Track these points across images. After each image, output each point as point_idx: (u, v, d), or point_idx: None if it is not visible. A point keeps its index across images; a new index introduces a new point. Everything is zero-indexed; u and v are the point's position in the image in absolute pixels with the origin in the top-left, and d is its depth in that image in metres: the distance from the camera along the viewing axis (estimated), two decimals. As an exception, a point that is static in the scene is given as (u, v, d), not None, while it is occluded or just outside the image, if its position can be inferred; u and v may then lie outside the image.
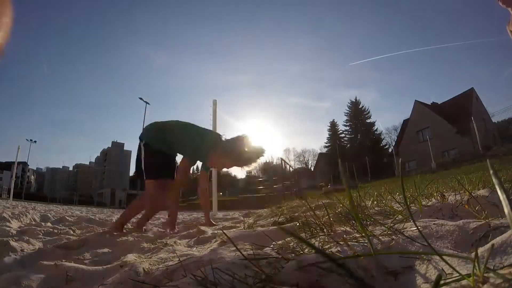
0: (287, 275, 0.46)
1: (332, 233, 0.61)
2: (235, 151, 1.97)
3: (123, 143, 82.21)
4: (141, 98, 27.82)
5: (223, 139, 2.12)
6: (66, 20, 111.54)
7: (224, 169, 2.19)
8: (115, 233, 1.82)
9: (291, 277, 0.45)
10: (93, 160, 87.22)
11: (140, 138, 2.15)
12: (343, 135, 47.58)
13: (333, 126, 48.85)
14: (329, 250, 0.52)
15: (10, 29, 0.44)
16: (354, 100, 46.89)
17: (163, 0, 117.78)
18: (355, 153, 38.08)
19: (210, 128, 5.30)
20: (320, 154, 48.72)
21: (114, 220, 2.52)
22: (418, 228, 0.44)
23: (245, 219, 1.94)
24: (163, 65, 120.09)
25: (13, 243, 1.29)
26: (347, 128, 46.76)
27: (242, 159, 1.99)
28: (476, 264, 0.30)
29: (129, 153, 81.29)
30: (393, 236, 0.51)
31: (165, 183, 2.10)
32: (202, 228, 1.94)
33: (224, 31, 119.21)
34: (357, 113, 45.87)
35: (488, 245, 0.35)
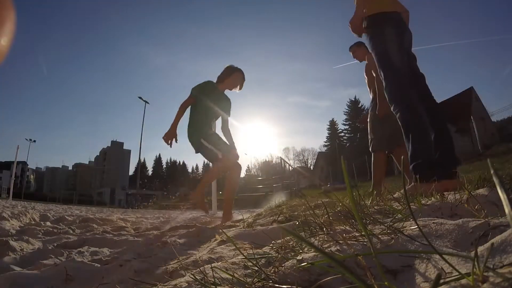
0: (286, 274, 0.46)
1: (332, 232, 0.61)
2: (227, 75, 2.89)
3: (123, 142, 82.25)
4: (140, 98, 27.93)
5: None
6: (66, 19, 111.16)
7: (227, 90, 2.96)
8: (197, 200, 2.53)
9: (291, 276, 0.45)
10: (93, 160, 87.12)
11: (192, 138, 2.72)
12: (342, 134, 47.61)
13: (332, 125, 48.90)
14: (329, 249, 0.52)
15: (12, 34, 0.44)
16: (353, 99, 46.90)
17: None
18: (354, 152, 38.06)
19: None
20: (320, 153, 48.69)
21: (195, 190, 2.69)
22: (419, 227, 0.44)
23: (244, 218, 1.94)
24: (162, 64, 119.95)
25: (12, 243, 1.29)
26: (347, 127, 46.78)
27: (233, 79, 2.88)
28: (475, 263, 0.29)
29: (128, 152, 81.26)
30: (393, 235, 0.51)
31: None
32: (202, 227, 1.94)
33: (224, 31, 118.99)
34: (356, 112, 45.85)
35: (488, 244, 0.35)
